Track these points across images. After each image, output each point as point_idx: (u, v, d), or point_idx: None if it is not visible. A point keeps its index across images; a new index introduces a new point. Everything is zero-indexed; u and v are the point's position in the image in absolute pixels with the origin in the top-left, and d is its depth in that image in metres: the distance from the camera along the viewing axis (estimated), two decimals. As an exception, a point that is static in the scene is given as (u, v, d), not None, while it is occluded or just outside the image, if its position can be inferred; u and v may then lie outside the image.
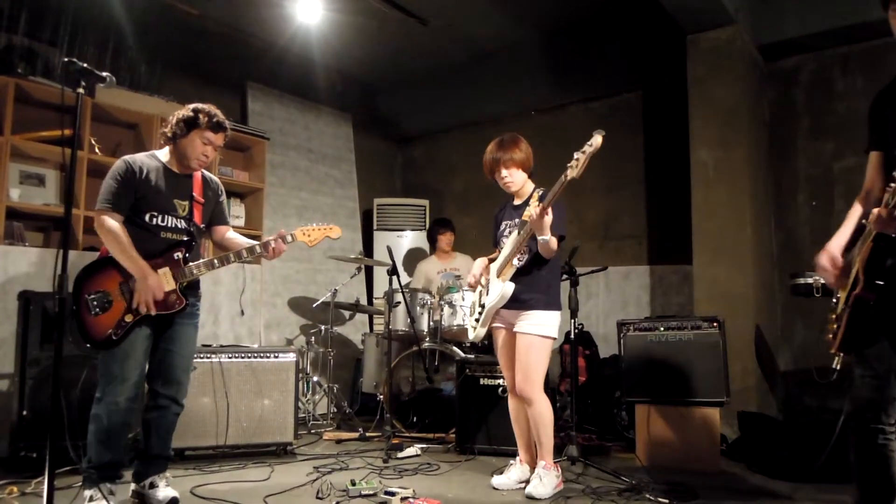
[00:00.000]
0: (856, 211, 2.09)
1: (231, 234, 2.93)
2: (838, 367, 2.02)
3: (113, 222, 2.57)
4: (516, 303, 3.02)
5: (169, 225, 2.69)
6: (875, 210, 1.73)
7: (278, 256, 2.83)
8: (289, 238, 2.81)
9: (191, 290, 2.76)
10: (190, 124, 2.68)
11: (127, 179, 2.62)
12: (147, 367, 2.69)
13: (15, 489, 2.81)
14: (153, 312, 2.56)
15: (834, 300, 2.05)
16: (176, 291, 2.62)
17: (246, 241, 2.88)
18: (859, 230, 1.97)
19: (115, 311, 2.55)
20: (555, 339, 3.07)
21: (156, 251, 2.62)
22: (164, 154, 2.78)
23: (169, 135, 2.71)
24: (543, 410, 3.00)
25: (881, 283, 1.82)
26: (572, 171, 2.68)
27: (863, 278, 1.84)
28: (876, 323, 1.90)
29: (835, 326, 2.00)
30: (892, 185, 1.67)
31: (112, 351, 2.55)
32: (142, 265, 2.54)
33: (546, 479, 2.93)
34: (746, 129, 4.46)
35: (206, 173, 2.92)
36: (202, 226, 2.84)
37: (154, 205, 2.67)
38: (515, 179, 3.13)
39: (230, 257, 2.73)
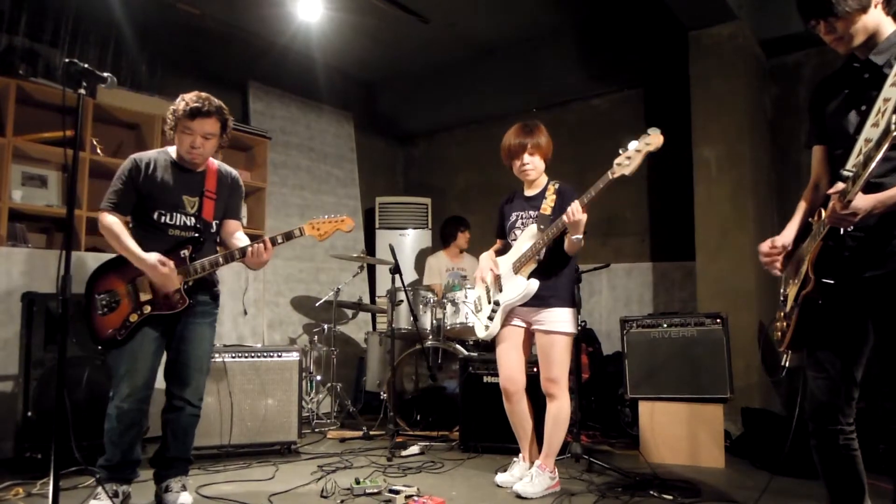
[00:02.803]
0: (803, 205, 2.08)
1: (239, 235, 2.81)
2: (787, 365, 2.01)
3: (111, 218, 2.58)
4: (535, 299, 2.98)
5: (177, 223, 2.65)
6: (828, 208, 1.72)
7: (261, 262, 2.61)
8: (296, 233, 2.69)
9: (201, 289, 2.69)
10: (174, 115, 2.61)
11: (130, 179, 2.61)
12: (162, 367, 2.68)
13: (20, 490, 2.82)
14: (161, 288, 2.51)
15: (782, 298, 2.03)
16: (180, 291, 2.57)
17: (245, 244, 2.73)
18: (808, 226, 1.96)
19: (122, 310, 2.55)
20: (574, 335, 3.04)
21: (163, 250, 2.57)
22: (173, 150, 2.74)
23: (169, 132, 2.67)
24: (563, 409, 2.99)
25: (830, 281, 1.80)
26: (622, 169, 2.60)
27: (813, 278, 1.82)
28: (824, 322, 1.88)
29: (784, 325, 1.98)
30: (840, 184, 1.66)
31: (118, 351, 2.54)
32: (138, 253, 2.50)
33: (537, 480, 2.92)
34: (749, 125, 4.44)
35: (225, 167, 2.84)
36: (213, 221, 2.74)
37: (161, 202, 2.63)
38: (537, 167, 3.07)
39: (230, 255, 2.63)
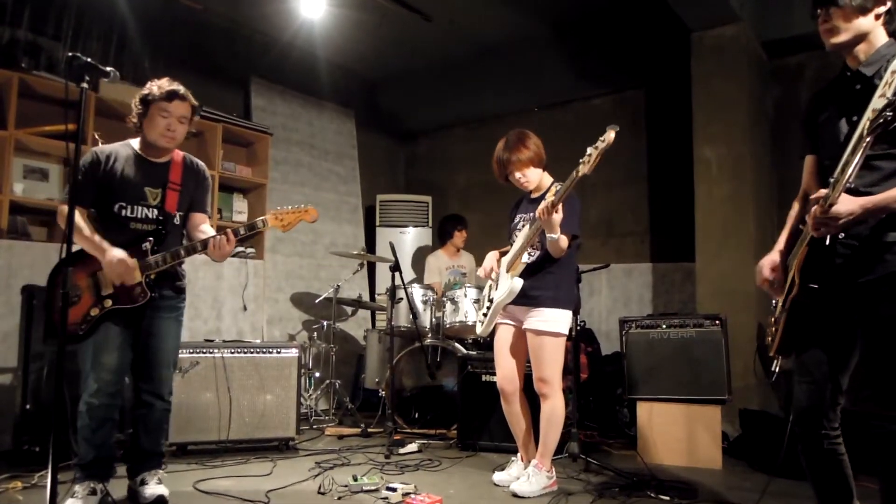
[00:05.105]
0: (794, 213, 2.11)
1: (204, 228, 2.74)
2: (777, 370, 2.02)
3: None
4: (525, 299, 2.99)
5: (139, 216, 2.61)
6: (810, 213, 1.75)
7: (223, 254, 2.55)
8: (259, 224, 2.61)
9: (165, 282, 2.66)
10: (145, 101, 2.60)
11: (90, 172, 2.57)
12: (130, 362, 2.63)
13: (18, 483, 2.83)
14: (117, 283, 2.47)
15: (774, 302, 2.05)
16: (141, 284, 2.52)
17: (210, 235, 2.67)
18: (796, 233, 1.97)
19: (83, 305, 2.50)
20: (566, 336, 3.04)
21: (125, 243, 2.52)
22: (136, 142, 2.71)
23: (134, 120, 2.65)
24: (557, 409, 2.98)
25: (815, 286, 1.82)
26: (583, 168, 2.61)
27: (798, 282, 1.84)
28: (811, 327, 1.89)
29: (774, 329, 2.00)
30: (823, 190, 1.69)
31: (81, 346, 2.50)
32: (100, 244, 2.47)
33: (534, 479, 2.92)
34: (750, 126, 4.44)
35: (190, 158, 2.80)
36: (177, 213, 2.69)
37: (122, 195, 2.59)
38: (531, 178, 3.09)
39: (192, 248, 2.57)
